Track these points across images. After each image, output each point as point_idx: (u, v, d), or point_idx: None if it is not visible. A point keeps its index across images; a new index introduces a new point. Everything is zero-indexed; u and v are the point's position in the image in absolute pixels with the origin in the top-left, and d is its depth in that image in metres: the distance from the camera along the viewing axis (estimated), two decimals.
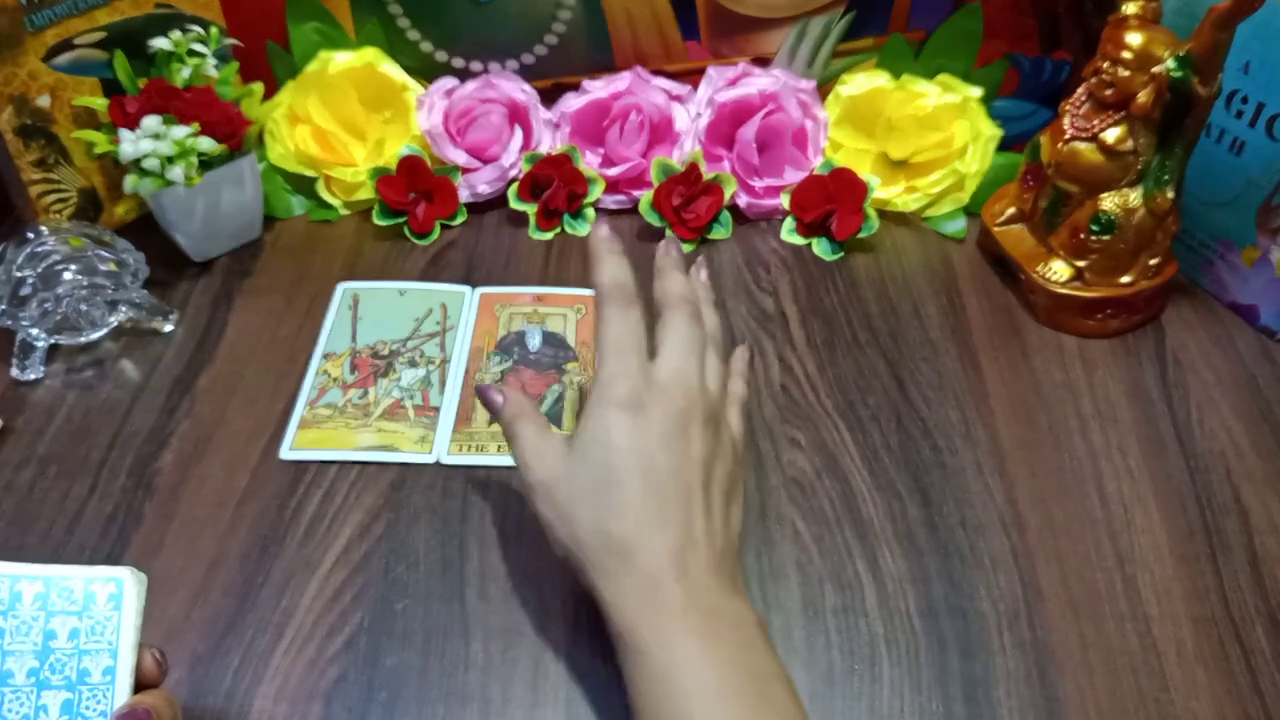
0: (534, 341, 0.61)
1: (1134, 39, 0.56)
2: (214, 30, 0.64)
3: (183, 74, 0.62)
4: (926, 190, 0.69)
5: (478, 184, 0.70)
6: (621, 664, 0.39)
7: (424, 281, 0.65)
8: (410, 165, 0.68)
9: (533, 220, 0.69)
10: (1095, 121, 0.58)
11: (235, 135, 0.62)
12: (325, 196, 0.70)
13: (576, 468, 0.40)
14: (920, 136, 0.68)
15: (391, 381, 0.59)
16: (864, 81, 0.70)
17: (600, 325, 0.42)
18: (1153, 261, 0.60)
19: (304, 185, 0.71)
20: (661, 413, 0.40)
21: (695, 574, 0.38)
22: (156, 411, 0.57)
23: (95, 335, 0.60)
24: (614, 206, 0.71)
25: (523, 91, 0.71)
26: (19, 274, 0.58)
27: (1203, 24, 0.53)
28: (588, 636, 0.47)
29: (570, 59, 0.72)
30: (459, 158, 0.70)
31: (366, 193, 0.69)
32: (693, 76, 0.72)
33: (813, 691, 0.45)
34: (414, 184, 0.68)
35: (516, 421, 0.43)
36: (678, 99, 0.71)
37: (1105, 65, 0.57)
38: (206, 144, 0.61)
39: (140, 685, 0.36)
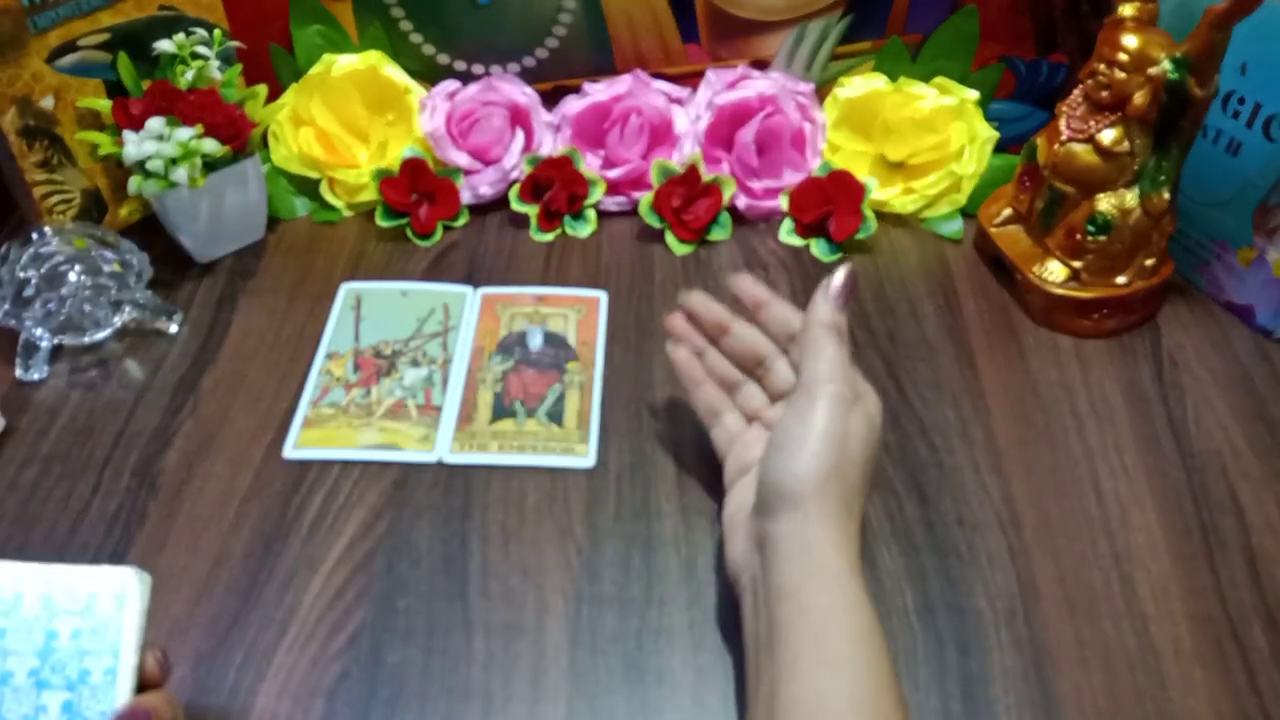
0: (535, 341, 0.62)
1: (1130, 41, 0.56)
2: (217, 33, 0.65)
3: (186, 76, 0.62)
4: (924, 192, 0.69)
5: (479, 185, 0.70)
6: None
7: (426, 282, 0.66)
8: (413, 167, 0.68)
9: (534, 221, 0.69)
10: (1091, 123, 0.58)
11: (239, 137, 0.63)
12: (328, 198, 0.71)
13: None
14: (917, 138, 0.69)
15: (394, 381, 0.59)
16: (862, 84, 0.70)
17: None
18: (1149, 262, 0.61)
19: (307, 187, 0.71)
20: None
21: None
22: (160, 411, 0.58)
23: (99, 335, 0.60)
24: (614, 208, 0.71)
25: (524, 94, 0.71)
26: (23, 274, 0.58)
27: (1199, 25, 0.53)
28: (588, 633, 0.47)
29: (571, 62, 0.72)
30: (461, 160, 0.70)
31: (369, 194, 0.70)
32: (692, 79, 0.72)
33: None
34: (416, 185, 0.69)
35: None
36: (677, 101, 0.71)
37: (1101, 67, 0.57)
38: (210, 146, 0.61)
39: (142, 686, 0.37)
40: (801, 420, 0.43)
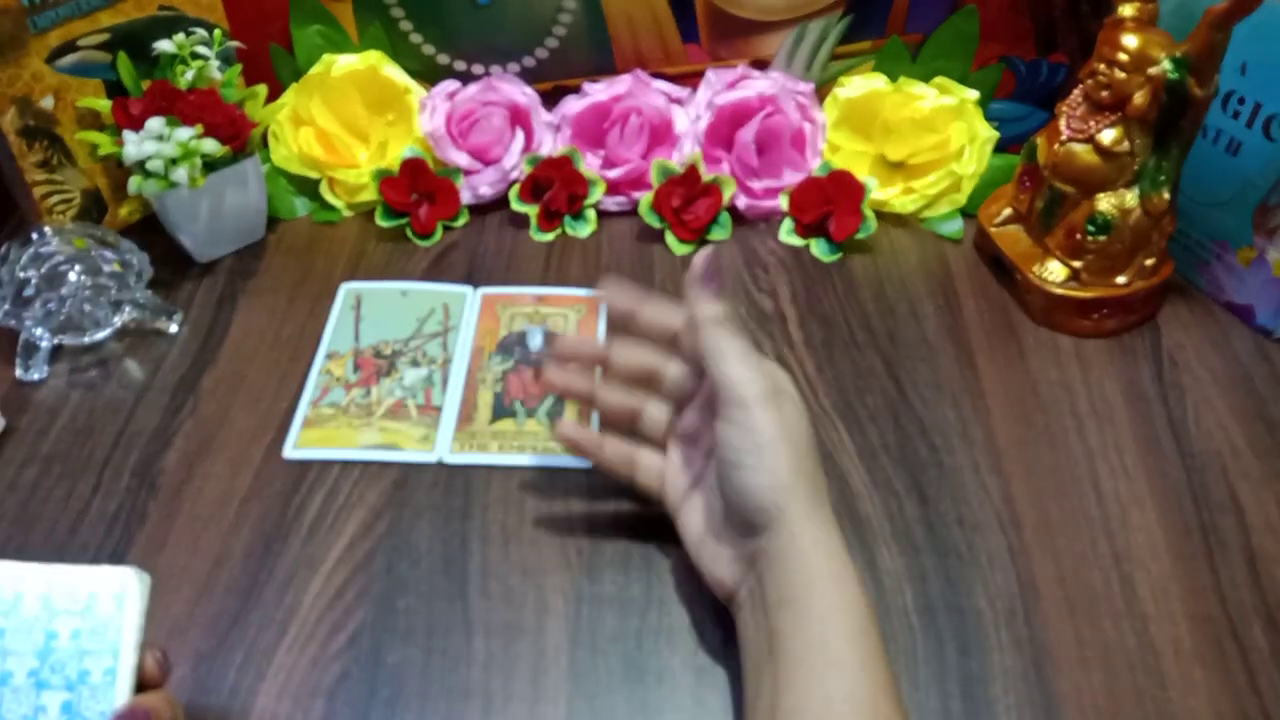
0: (535, 341, 0.62)
1: (1130, 41, 0.56)
2: (217, 33, 0.65)
3: (186, 76, 0.62)
4: (924, 191, 0.69)
5: (479, 185, 0.70)
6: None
7: (426, 282, 0.66)
8: (413, 167, 0.68)
9: (534, 221, 0.69)
10: (1091, 123, 0.58)
11: (239, 137, 0.63)
12: (328, 198, 0.71)
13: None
14: (917, 138, 0.69)
15: (394, 381, 0.59)
16: (862, 84, 0.70)
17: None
18: (1149, 262, 0.61)
19: (307, 187, 0.71)
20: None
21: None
22: (160, 411, 0.58)
23: (99, 335, 0.60)
24: (614, 208, 0.71)
25: (524, 94, 0.71)
26: (23, 274, 0.58)
27: (1199, 25, 0.53)
28: (588, 633, 0.47)
29: (571, 62, 0.72)
30: (461, 160, 0.70)
31: (369, 194, 0.70)
32: (692, 79, 0.72)
33: None
34: (416, 185, 0.69)
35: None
36: (677, 101, 0.71)
37: (1101, 67, 0.57)
38: (210, 146, 0.61)
39: (142, 686, 0.36)
40: (746, 433, 0.42)
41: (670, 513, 0.48)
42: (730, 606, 0.45)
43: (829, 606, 0.40)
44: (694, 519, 0.47)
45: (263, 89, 0.67)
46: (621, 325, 0.49)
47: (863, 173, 0.69)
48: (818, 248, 0.68)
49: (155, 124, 0.60)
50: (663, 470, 0.49)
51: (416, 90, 0.71)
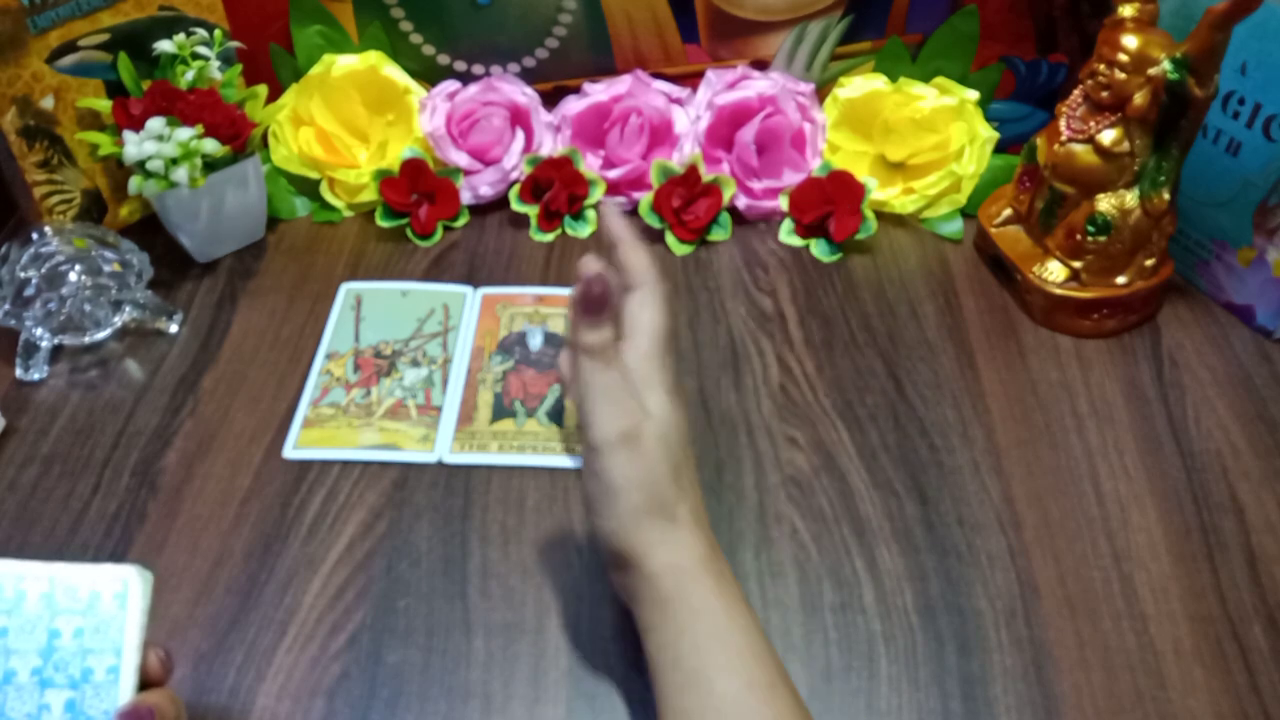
0: (535, 341, 0.62)
1: (1130, 41, 0.56)
2: (218, 33, 0.65)
3: (186, 76, 0.62)
4: (924, 192, 0.69)
5: (479, 186, 0.70)
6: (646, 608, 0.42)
7: (426, 282, 0.66)
8: (413, 167, 0.68)
9: (534, 222, 0.69)
10: (1091, 123, 0.58)
11: (239, 137, 0.63)
12: (328, 198, 0.71)
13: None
14: (917, 139, 0.69)
15: (394, 381, 0.59)
16: (862, 84, 0.70)
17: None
18: (1149, 262, 0.61)
19: (307, 187, 0.71)
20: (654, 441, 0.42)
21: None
22: (160, 411, 0.58)
23: (99, 335, 0.60)
24: None
25: (524, 94, 0.71)
26: (23, 274, 0.58)
27: (1199, 25, 0.53)
28: (588, 633, 0.47)
29: (571, 62, 0.72)
30: (461, 160, 0.70)
31: (369, 194, 0.70)
32: (692, 79, 0.72)
33: (811, 688, 0.45)
34: (416, 186, 0.69)
35: None
36: (677, 102, 0.71)
37: (1101, 67, 0.57)
38: (210, 146, 0.61)
39: (145, 684, 0.37)
40: (595, 478, 0.41)
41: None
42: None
43: (679, 626, 0.40)
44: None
45: (263, 89, 0.67)
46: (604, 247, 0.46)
47: (863, 173, 0.69)
48: (818, 248, 0.68)
49: (155, 124, 0.60)
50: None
51: (416, 90, 0.71)
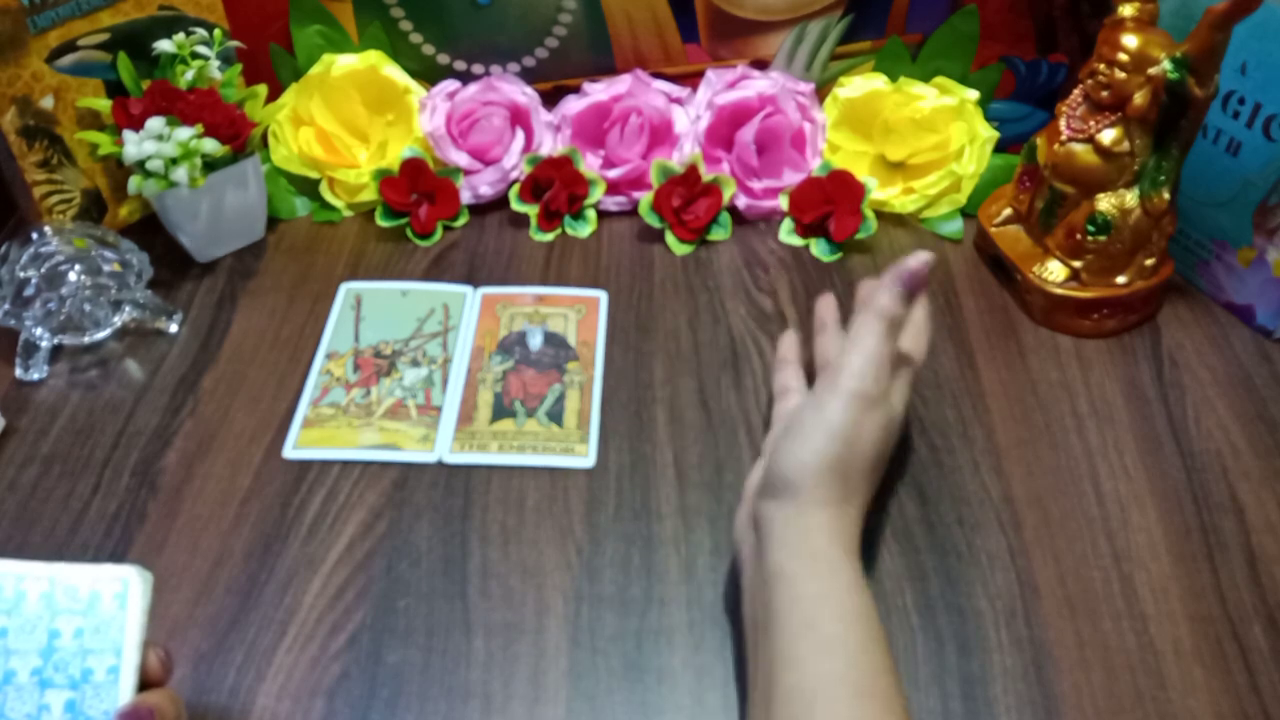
0: (535, 341, 0.62)
1: (1130, 41, 0.56)
2: (217, 32, 0.65)
3: (186, 76, 0.62)
4: (924, 192, 0.69)
5: (479, 185, 0.70)
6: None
7: (426, 282, 0.66)
8: (413, 167, 0.68)
9: (534, 221, 0.69)
10: (1091, 123, 0.58)
11: (239, 137, 0.63)
12: (328, 198, 0.71)
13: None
14: (917, 138, 0.69)
15: (394, 381, 0.59)
16: (862, 84, 0.70)
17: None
18: (1149, 262, 0.61)
19: (307, 187, 0.71)
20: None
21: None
22: (160, 411, 0.58)
23: (99, 335, 0.60)
24: (614, 208, 0.71)
25: (524, 94, 0.71)
26: (23, 274, 0.58)
27: (1199, 25, 0.53)
28: (589, 633, 0.47)
29: (571, 62, 0.72)
30: (461, 159, 0.70)
31: (369, 194, 0.70)
32: (692, 79, 0.72)
33: None
34: (416, 185, 0.69)
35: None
36: (677, 101, 0.71)
37: (1101, 67, 0.57)
38: (210, 146, 0.61)
39: (145, 684, 0.37)
40: (817, 411, 0.43)
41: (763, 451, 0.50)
42: (737, 560, 0.46)
43: (822, 589, 0.40)
44: (760, 468, 0.47)
45: (263, 89, 0.67)
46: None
47: (863, 173, 0.69)
48: (818, 248, 0.68)
49: (155, 124, 0.60)
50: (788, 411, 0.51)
51: (416, 90, 0.71)
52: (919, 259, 0.45)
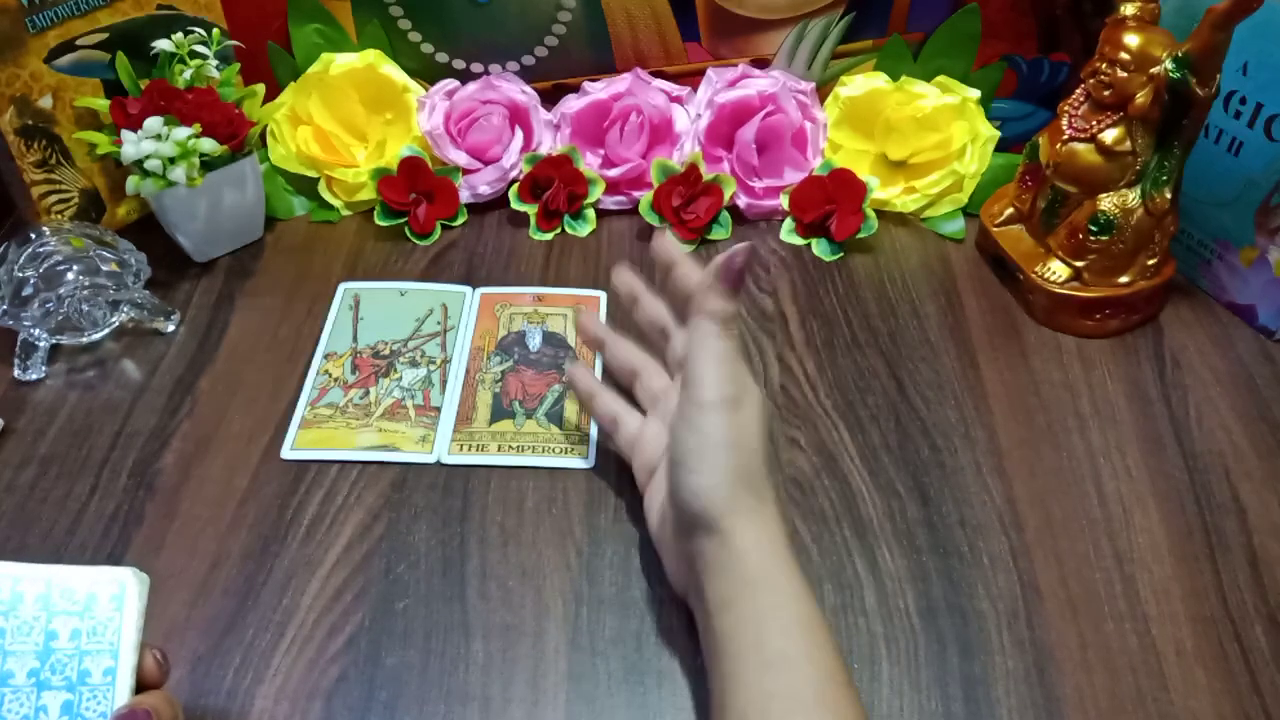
0: (534, 341, 0.61)
1: (1132, 40, 0.56)
2: (216, 32, 0.65)
3: (184, 75, 0.62)
4: (925, 191, 0.69)
5: (478, 185, 0.70)
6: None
7: (425, 282, 0.65)
8: (411, 166, 0.68)
9: (533, 221, 0.69)
10: (1093, 122, 0.58)
11: (237, 136, 0.62)
12: (327, 197, 0.71)
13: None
14: (919, 137, 0.69)
15: (392, 381, 0.59)
16: (863, 83, 0.70)
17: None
18: (1151, 262, 0.61)
19: (305, 186, 0.71)
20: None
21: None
22: (158, 411, 0.57)
23: (97, 335, 0.60)
24: (614, 207, 0.71)
25: (523, 93, 0.71)
26: (21, 274, 0.58)
27: (1201, 25, 0.53)
28: (588, 635, 0.47)
29: (571, 60, 0.72)
30: (460, 159, 0.70)
31: (368, 193, 0.70)
32: (692, 78, 0.72)
33: None
34: (415, 185, 0.68)
35: None
36: (677, 100, 0.71)
37: (1103, 66, 0.57)
38: (208, 145, 0.61)
39: (142, 686, 0.36)
40: (695, 433, 0.43)
41: (639, 487, 0.49)
42: (689, 604, 0.46)
43: (764, 606, 0.40)
44: (655, 501, 0.47)
45: (261, 88, 0.66)
46: (624, 311, 0.51)
47: (864, 172, 0.69)
48: (819, 247, 0.68)
49: (153, 123, 0.60)
50: (637, 437, 0.50)
51: (415, 89, 0.71)
52: (738, 251, 0.43)
